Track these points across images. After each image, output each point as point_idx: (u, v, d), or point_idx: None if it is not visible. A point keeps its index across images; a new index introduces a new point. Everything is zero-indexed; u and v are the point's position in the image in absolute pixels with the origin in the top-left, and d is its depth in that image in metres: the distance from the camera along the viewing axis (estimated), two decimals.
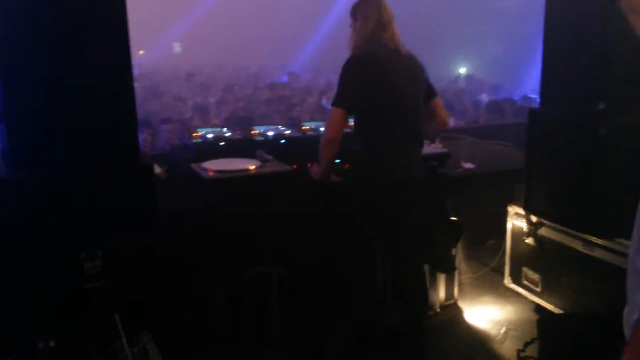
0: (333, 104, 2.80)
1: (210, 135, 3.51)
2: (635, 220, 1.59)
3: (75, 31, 2.09)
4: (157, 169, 3.43)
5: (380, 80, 2.75)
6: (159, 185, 3.26)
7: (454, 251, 3.64)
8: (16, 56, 2.03)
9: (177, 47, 17.42)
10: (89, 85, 2.16)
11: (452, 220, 3.61)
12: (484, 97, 8.68)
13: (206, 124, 6.83)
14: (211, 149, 3.40)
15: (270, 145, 3.52)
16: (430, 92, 2.99)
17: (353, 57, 2.81)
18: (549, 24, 3.24)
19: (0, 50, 2.02)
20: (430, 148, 3.60)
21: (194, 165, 3.20)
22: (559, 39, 3.18)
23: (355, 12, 2.90)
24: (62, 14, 2.07)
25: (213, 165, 3.13)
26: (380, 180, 2.81)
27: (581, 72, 3.06)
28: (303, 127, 3.85)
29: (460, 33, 12.85)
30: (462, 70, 13.11)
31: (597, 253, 3.02)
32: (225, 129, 3.72)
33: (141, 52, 16.14)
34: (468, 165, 3.75)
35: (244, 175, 3.10)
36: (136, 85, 10.75)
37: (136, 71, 12.81)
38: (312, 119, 5.65)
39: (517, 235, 3.60)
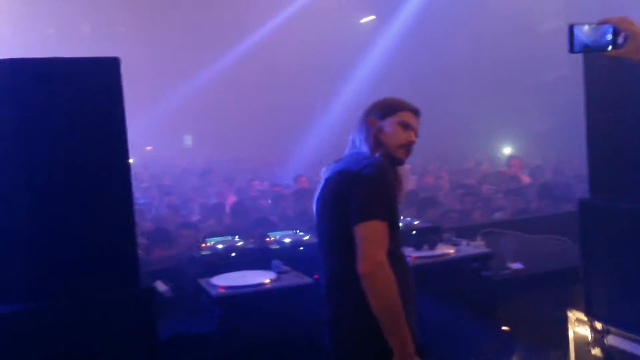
0: None
1: (220, 246, 3.59)
2: None
3: (65, 142, 2.25)
4: (162, 287, 3.50)
5: None
6: (164, 306, 3.34)
7: None
8: (3, 179, 2.19)
9: (187, 140, 18.03)
10: (83, 202, 2.30)
11: (502, 330, 3.54)
12: (534, 181, 8.69)
13: (220, 226, 6.97)
14: (221, 262, 3.46)
15: (288, 253, 3.57)
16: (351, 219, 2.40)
17: None
18: (591, 99, 3.30)
19: None
20: (470, 248, 3.61)
21: (201, 281, 3.26)
22: (604, 114, 3.24)
23: None
24: (51, 130, 2.24)
25: (223, 281, 3.19)
26: None
27: (634, 154, 3.09)
28: None
29: (504, 107, 13.09)
30: (507, 150, 13.22)
31: None
32: (237, 237, 3.80)
33: (148, 147, 16.75)
34: (516, 266, 3.72)
35: (258, 290, 3.13)
36: (144, 185, 11.15)
37: (143, 170, 13.28)
38: None
39: (581, 345, 3.49)
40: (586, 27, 2.01)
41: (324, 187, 2.61)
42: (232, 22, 15.84)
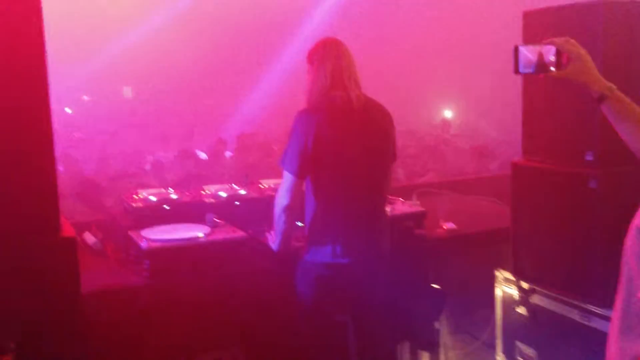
0: (281, 166, 2.84)
1: (152, 198, 3.48)
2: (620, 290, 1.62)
3: None
4: (91, 239, 3.40)
5: (326, 141, 2.77)
6: (92, 258, 3.25)
7: (437, 324, 3.62)
8: None
9: (127, 92, 17.46)
10: None
11: (434, 288, 3.60)
12: (471, 144, 8.83)
13: (163, 183, 6.82)
14: (154, 214, 3.37)
15: (223, 207, 3.50)
16: (393, 156, 3.03)
17: (300, 113, 2.85)
18: None
19: None
20: (405, 206, 3.63)
21: (132, 233, 3.16)
22: (539, 79, 3.27)
23: (311, 57, 2.93)
24: None
25: (154, 234, 3.10)
26: (329, 260, 2.82)
27: (565, 118, 3.14)
28: (261, 186, 3.86)
29: (447, 70, 13.18)
30: (448, 114, 13.38)
31: (596, 323, 3.02)
32: (171, 190, 3.70)
33: (85, 97, 16.17)
34: (449, 225, 3.77)
35: (191, 244, 3.07)
36: (79, 135, 10.77)
37: (80, 118, 12.84)
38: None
39: (508, 304, 3.59)
40: (531, 48, 2.03)
41: (355, 122, 2.80)
42: None
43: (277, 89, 13.47)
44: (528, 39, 3.23)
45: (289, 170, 2.81)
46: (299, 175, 2.81)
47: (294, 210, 2.85)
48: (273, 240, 3.04)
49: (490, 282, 3.74)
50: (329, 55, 2.87)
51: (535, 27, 3.17)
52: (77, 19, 14.24)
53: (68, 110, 14.92)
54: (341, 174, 2.82)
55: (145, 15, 15.59)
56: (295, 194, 2.83)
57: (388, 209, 3.53)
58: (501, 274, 3.64)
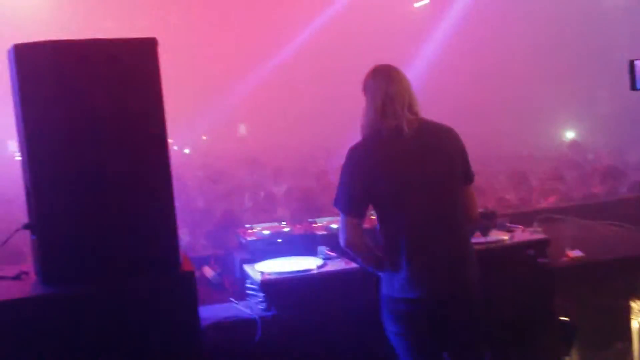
0: (334, 205, 2.80)
1: (266, 232, 3.55)
2: None
3: (107, 133, 2.28)
4: (209, 272, 3.52)
5: (377, 175, 2.70)
6: (211, 291, 3.35)
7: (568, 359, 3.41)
8: (47, 163, 2.21)
9: (242, 129, 18.16)
10: (121, 185, 2.31)
11: (562, 320, 3.40)
12: (597, 165, 8.35)
13: (276, 217, 6.95)
14: (268, 247, 3.43)
15: (335, 240, 3.49)
16: (465, 177, 2.83)
17: (349, 150, 2.79)
18: None
19: (31, 158, 2.20)
20: (525, 234, 3.47)
21: (248, 267, 3.23)
22: None
23: (363, 88, 2.85)
24: (90, 110, 2.28)
25: (269, 267, 3.15)
26: (397, 295, 2.72)
27: None
28: (372, 217, 3.83)
29: (565, 90, 12.64)
30: (570, 135, 12.76)
31: None
32: (284, 223, 3.76)
33: (204, 137, 17.00)
34: (575, 253, 3.55)
35: (305, 276, 3.08)
36: (200, 174, 11.28)
37: (199, 158, 13.47)
38: None
39: None
40: None
41: (409, 150, 2.70)
42: (282, 18, 15.90)
43: None
44: None
45: (340, 209, 2.78)
46: (350, 213, 2.75)
47: (356, 244, 2.81)
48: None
49: (624, 314, 3.48)
50: (378, 85, 2.78)
51: None
52: (197, 70, 15.15)
53: (187, 150, 15.74)
54: (400, 204, 2.71)
55: (261, 58, 16.30)
56: (352, 231, 2.77)
57: (496, 237, 3.38)
58: (638, 305, 3.37)
